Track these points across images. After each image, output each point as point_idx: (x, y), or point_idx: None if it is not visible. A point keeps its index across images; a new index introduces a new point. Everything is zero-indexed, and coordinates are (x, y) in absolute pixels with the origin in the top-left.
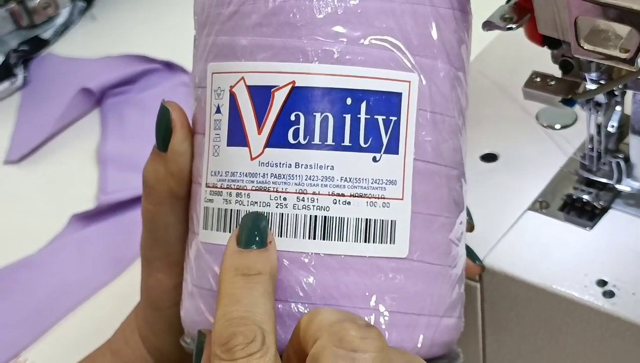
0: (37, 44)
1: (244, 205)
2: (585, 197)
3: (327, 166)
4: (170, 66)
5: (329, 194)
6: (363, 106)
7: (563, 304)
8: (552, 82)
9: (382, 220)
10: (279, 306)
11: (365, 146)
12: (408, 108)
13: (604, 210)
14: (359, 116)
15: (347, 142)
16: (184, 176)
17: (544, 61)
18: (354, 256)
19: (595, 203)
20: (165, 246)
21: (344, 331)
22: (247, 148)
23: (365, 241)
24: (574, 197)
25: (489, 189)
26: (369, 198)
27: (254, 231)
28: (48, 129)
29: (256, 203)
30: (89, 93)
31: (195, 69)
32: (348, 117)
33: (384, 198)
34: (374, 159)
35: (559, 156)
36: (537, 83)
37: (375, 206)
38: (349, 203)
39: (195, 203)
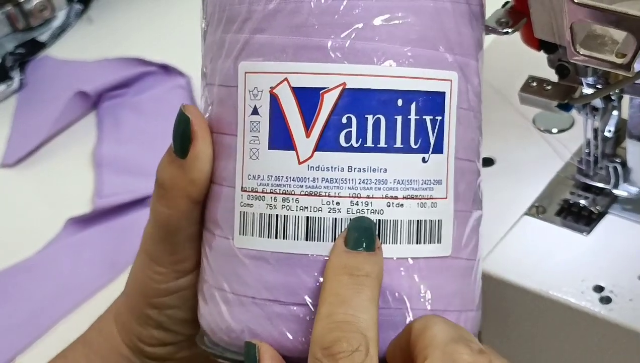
0: (34, 47)
1: (292, 210)
2: (582, 202)
3: (381, 169)
4: (166, 69)
5: (382, 198)
6: (413, 106)
7: (560, 310)
8: (549, 87)
9: (431, 221)
10: None
11: (416, 147)
12: (450, 107)
13: (601, 215)
14: (409, 117)
15: (399, 144)
16: (204, 182)
17: (540, 65)
18: (407, 258)
19: (592, 208)
20: (174, 247)
21: (457, 354)
22: (293, 152)
23: (417, 243)
24: (571, 202)
25: (485, 194)
26: (420, 199)
27: (362, 234)
28: (44, 133)
29: (306, 208)
30: (85, 96)
31: (214, 67)
32: (399, 118)
33: (432, 198)
34: (423, 160)
35: (555, 160)
36: (533, 88)
37: (425, 207)
38: (402, 205)
39: (219, 205)
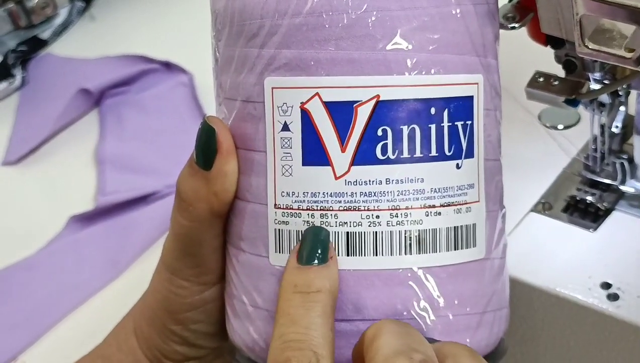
0: (36, 44)
1: (331, 226)
2: (589, 198)
3: (418, 179)
4: (169, 66)
5: (421, 207)
6: (445, 114)
7: (567, 307)
8: (556, 82)
9: (467, 225)
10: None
11: (450, 153)
12: (478, 110)
13: (608, 211)
14: (442, 124)
15: (434, 152)
16: (229, 196)
17: (547, 60)
18: (446, 265)
19: (599, 205)
20: (196, 259)
21: None
22: (329, 167)
23: (455, 249)
24: (578, 198)
25: None
26: (456, 205)
27: (315, 247)
28: (46, 130)
29: (346, 223)
30: (87, 94)
31: (234, 82)
32: (433, 127)
33: (466, 203)
34: (457, 166)
35: (562, 157)
36: (540, 83)
37: (460, 213)
38: (439, 213)
39: (245, 221)
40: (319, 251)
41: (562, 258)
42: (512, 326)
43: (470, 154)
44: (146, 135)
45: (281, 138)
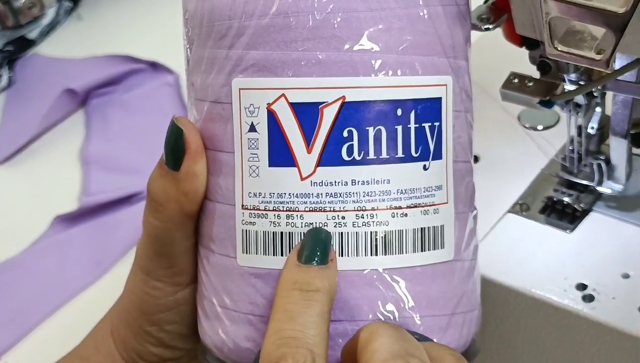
0: (23, 44)
1: (297, 227)
2: (566, 199)
3: (384, 180)
4: (155, 66)
5: (387, 209)
6: (412, 115)
7: (542, 308)
8: (530, 84)
9: (435, 227)
10: (347, 326)
11: (416, 155)
12: (447, 111)
13: (585, 213)
14: (409, 126)
15: (400, 153)
16: (198, 196)
17: (526, 61)
18: (414, 266)
19: (576, 206)
20: (169, 260)
21: None
22: (295, 168)
23: (422, 251)
24: (555, 199)
25: None
26: (423, 206)
27: (316, 247)
28: (32, 130)
29: (312, 224)
30: (73, 94)
31: (203, 83)
32: (400, 128)
33: (434, 205)
34: (424, 168)
35: (540, 157)
36: (514, 84)
37: (428, 214)
38: (406, 214)
39: (215, 222)
40: (320, 252)
41: (538, 259)
42: (488, 327)
43: (438, 155)
44: (132, 135)
45: (248, 138)
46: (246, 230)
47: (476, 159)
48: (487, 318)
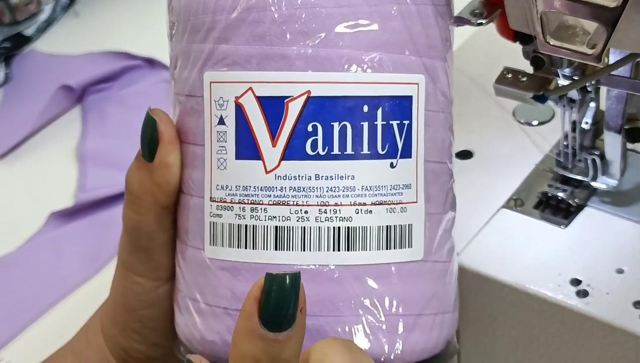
0: (19, 41)
1: (261, 220)
2: (561, 195)
3: (348, 176)
4: (151, 63)
5: (351, 205)
6: (379, 112)
7: (536, 304)
8: (524, 79)
9: (401, 225)
10: (307, 322)
11: (383, 152)
12: (418, 110)
13: (580, 208)
14: (375, 123)
15: (366, 150)
16: (172, 188)
17: (520, 57)
18: (377, 264)
19: (570, 201)
20: (148, 253)
21: None
22: (260, 161)
23: (387, 249)
24: (549, 195)
25: (463, 187)
26: (389, 204)
27: (282, 306)
28: (29, 127)
29: (275, 217)
30: (69, 90)
31: (180, 77)
32: (365, 125)
33: (401, 203)
34: (391, 165)
35: (534, 153)
36: (508, 79)
37: (394, 212)
38: (370, 211)
39: (189, 215)
40: (288, 311)
41: (532, 255)
42: (482, 323)
43: (407, 154)
44: (128, 131)
45: (217, 131)
46: (213, 222)
47: (470, 154)
48: (481, 313)
